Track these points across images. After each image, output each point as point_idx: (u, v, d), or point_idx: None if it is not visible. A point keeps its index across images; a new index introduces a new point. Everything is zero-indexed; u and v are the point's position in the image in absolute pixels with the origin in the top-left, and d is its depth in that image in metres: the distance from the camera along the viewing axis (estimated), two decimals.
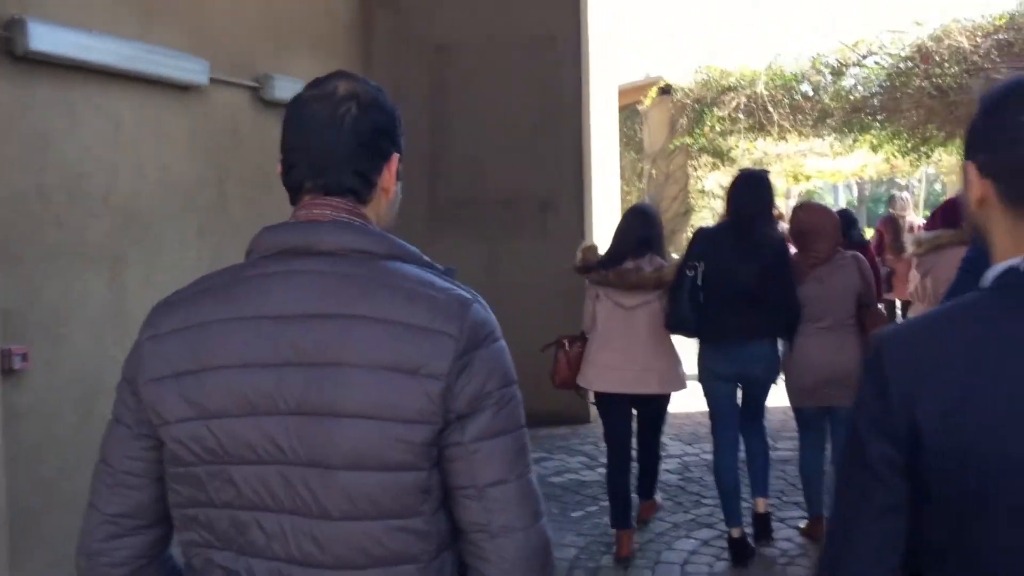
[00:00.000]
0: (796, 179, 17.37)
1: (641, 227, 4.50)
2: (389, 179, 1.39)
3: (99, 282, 4.34)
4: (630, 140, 15.16)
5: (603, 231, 7.50)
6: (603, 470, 5.80)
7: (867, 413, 1.17)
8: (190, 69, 4.80)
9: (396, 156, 1.40)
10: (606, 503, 5.12)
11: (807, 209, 4.68)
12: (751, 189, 4.35)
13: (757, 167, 7.47)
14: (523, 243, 7.23)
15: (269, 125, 5.60)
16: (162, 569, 1.39)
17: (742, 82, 13.43)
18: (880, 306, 5.20)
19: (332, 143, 1.35)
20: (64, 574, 4.14)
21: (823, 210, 4.67)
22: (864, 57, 12.93)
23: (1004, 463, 1.07)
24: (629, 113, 14.16)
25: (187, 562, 1.34)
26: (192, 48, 4.87)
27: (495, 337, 1.30)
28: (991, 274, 1.19)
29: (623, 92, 13.93)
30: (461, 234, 7.18)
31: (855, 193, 37.74)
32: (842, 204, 31.89)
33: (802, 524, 4.75)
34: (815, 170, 16.80)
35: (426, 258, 1.36)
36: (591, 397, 4.79)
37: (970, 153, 1.22)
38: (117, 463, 1.33)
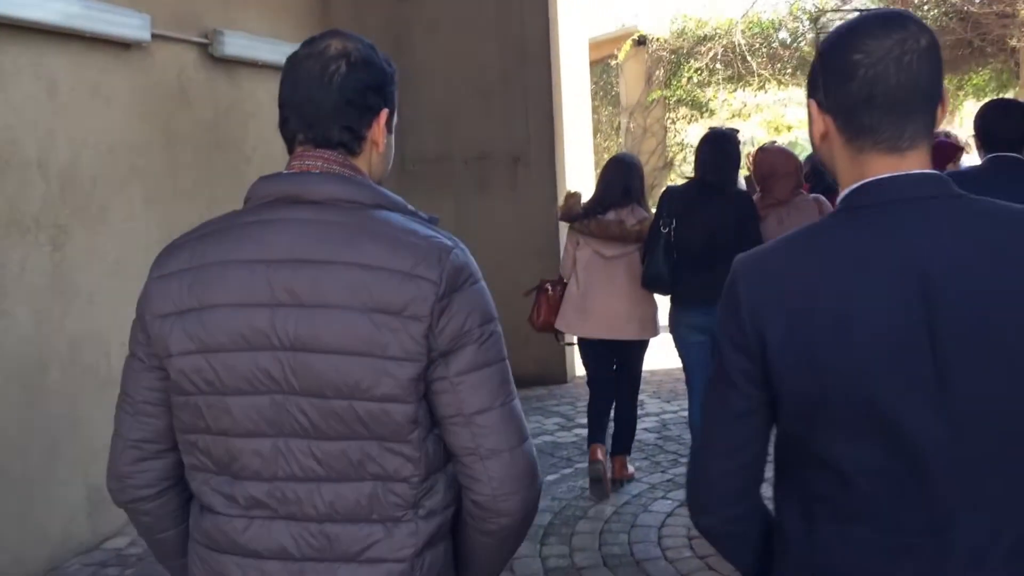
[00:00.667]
0: (777, 130, 17.17)
1: (624, 177, 4.63)
2: (379, 133, 1.46)
3: (39, 254, 4.12)
4: (607, 94, 14.89)
5: (577, 185, 7.30)
6: (580, 431, 5.71)
7: (725, 330, 1.30)
8: (130, 24, 4.52)
9: (385, 111, 1.47)
10: (582, 465, 5.04)
11: (766, 151, 4.68)
12: (718, 148, 4.39)
13: (725, 126, 7.58)
14: (494, 199, 7.03)
15: (220, 83, 5.34)
16: (186, 491, 1.50)
17: (719, 31, 13.20)
18: None
19: (321, 99, 1.43)
20: (8, 558, 3.98)
21: (782, 152, 4.65)
22: (843, 2, 12.68)
23: (836, 370, 1.20)
24: (604, 66, 13.89)
25: (191, 485, 1.47)
26: (131, 2, 4.60)
27: (474, 279, 1.39)
28: (838, 200, 1.30)
29: (597, 44, 13.64)
30: (431, 191, 6.95)
31: None
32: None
33: None
34: (796, 120, 16.60)
35: (411, 207, 1.44)
36: (568, 339, 5.01)
37: (811, 91, 1.33)
38: (135, 393, 1.46)
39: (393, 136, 1.52)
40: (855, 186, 1.27)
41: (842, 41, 1.28)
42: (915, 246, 1.21)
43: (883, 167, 1.26)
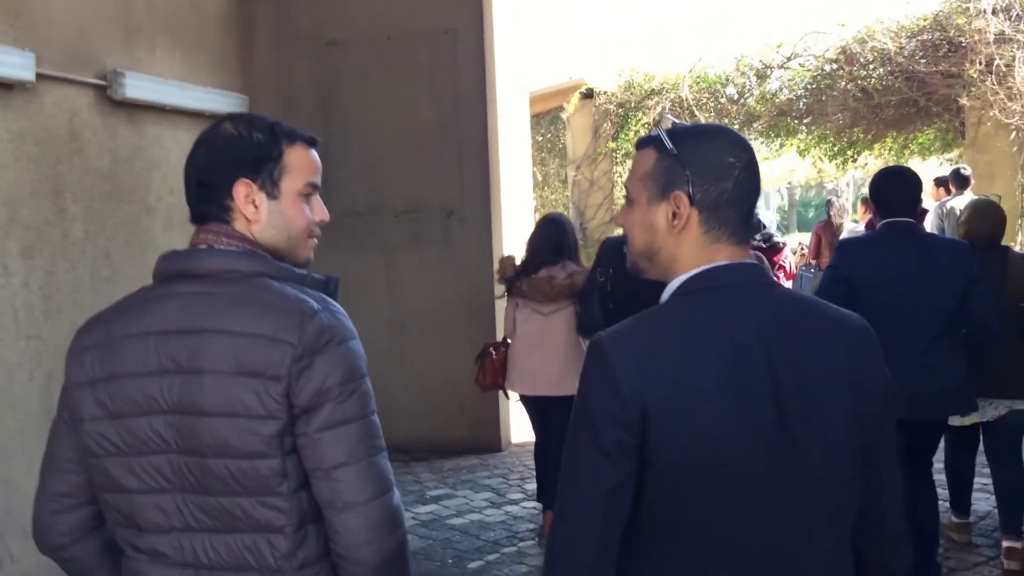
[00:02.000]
0: None
1: (553, 236, 4.74)
2: (242, 204, 1.57)
3: None
4: (554, 146, 14.66)
5: (515, 240, 6.95)
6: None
7: (602, 406, 1.35)
8: (9, 63, 4.10)
9: (241, 183, 1.56)
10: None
11: None
12: None
13: None
14: (426, 254, 6.64)
15: (120, 128, 4.92)
16: (100, 540, 1.64)
17: (666, 86, 13.06)
18: None
19: (187, 179, 1.60)
20: None
21: None
22: (788, 59, 12.66)
23: (695, 436, 1.33)
24: (552, 118, 13.67)
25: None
26: (14, 39, 4.18)
27: (340, 340, 1.49)
28: (677, 283, 1.46)
29: (543, 96, 13.44)
30: (359, 246, 6.57)
31: (785, 199, 37.97)
32: (773, 210, 31.91)
33: None
34: None
35: (299, 271, 1.58)
36: (514, 397, 5.27)
37: (675, 187, 1.45)
38: (58, 451, 1.60)
39: (290, 199, 1.59)
40: (704, 269, 1.44)
41: (714, 144, 1.46)
42: (758, 323, 1.39)
43: (732, 255, 1.45)
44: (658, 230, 1.46)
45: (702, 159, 1.43)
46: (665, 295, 1.48)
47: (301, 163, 1.60)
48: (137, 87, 4.88)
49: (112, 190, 4.82)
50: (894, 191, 3.60)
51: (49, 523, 1.61)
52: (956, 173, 8.82)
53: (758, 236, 7.83)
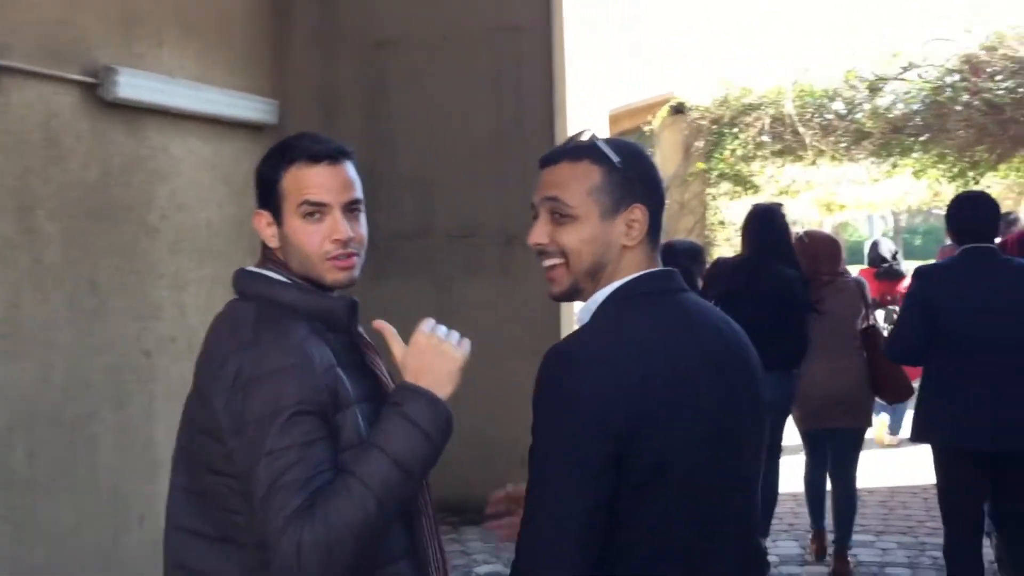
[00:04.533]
0: (829, 209, 15.83)
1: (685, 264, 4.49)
2: (261, 231, 1.65)
3: None
4: None
5: None
6: None
7: (581, 420, 1.36)
8: None
9: (257, 213, 1.65)
10: None
11: (810, 236, 4.92)
12: (763, 225, 4.53)
13: (772, 201, 7.23)
14: (483, 285, 5.77)
15: (112, 134, 4.19)
16: None
17: (766, 100, 12.00)
18: None
19: None
20: None
21: (824, 237, 4.99)
22: (905, 70, 11.47)
23: (668, 437, 1.39)
24: (637, 136, 12.74)
25: None
26: None
27: (255, 379, 1.47)
28: (610, 289, 1.50)
29: (631, 112, 12.50)
30: (406, 274, 5.73)
31: (890, 225, 36.04)
32: (877, 235, 30.15)
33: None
34: (852, 199, 15.27)
35: (305, 297, 1.59)
36: None
37: (633, 199, 1.50)
38: None
39: (292, 223, 1.59)
40: (645, 273, 1.50)
41: (644, 155, 1.55)
42: (711, 325, 1.50)
43: (654, 261, 1.54)
44: (611, 245, 1.49)
45: (645, 171, 1.52)
46: (596, 301, 1.49)
47: (296, 184, 1.58)
48: (134, 86, 4.15)
49: (100, 207, 4.09)
50: (971, 217, 3.61)
51: None
52: None
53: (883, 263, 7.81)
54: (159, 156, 4.41)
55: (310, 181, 1.56)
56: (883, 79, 11.32)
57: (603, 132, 7.08)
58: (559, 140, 5.83)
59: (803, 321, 4.43)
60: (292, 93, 5.58)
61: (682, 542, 1.39)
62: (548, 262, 1.50)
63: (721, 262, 4.68)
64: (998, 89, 10.45)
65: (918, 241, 34.41)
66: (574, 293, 1.50)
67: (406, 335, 1.58)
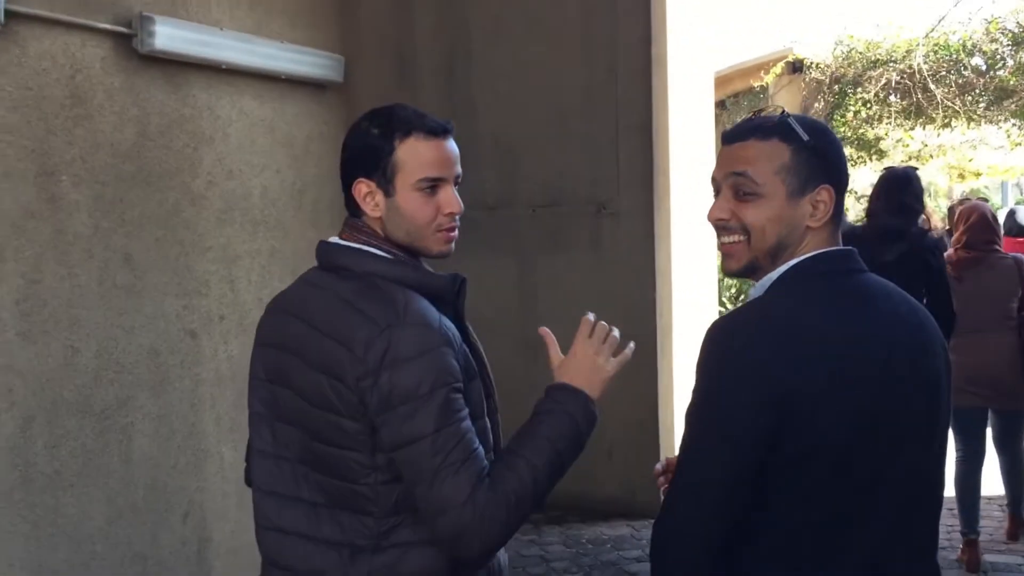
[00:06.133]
0: (962, 176, 14.59)
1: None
2: (360, 200, 1.63)
3: None
4: None
5: (687, 244, 5.40)
6: None
7: (741, 386, 1.35)
8: None
9: (360, 182, 1.62)
10: None
11: (966, 207, 4.68)
12: (895, 190, 4.17)
13: (905, 164, 6.48)
14: (570, 258, 5.22)
15: (150, 91, 3.77)
16: None
17: (894, 55, 10.97)
18: None
19: None
20: None
21: (980, 208, 4.63)
22: None
23: (829, 416, 1.34)
24: (750, 97, 11.87)
25: None
26: None
27: (405, 358, 1.51)
28: (787, 266, 1.46)
29: (745, 71, 11.64)
30: (487, 246, 5.21)
31: None
32: (1011, 204, 28.08)
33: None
34: (986, 165, 14.02)
35: (416, 273, 1.62)
36: None
37: (823, 179, 1.46)
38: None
39: (406, 195, 1.60)
40: (825, 251, 1.47)
41: (830, 133, 1.52)
42: (876, 311, 1.44)
43: (836, 241, 1.50)
44: (795, 225, 1.46)
45: (833, 151, 1.48)
46: (771, 278, 1.46)
47: (415, 158, 1.60)
48: (175, 37, 3.73)
49: (135, 172, 3.69)
50: None
51: None
52: None
53: None
54: (203, 116, 3.99)
55: (430, 155, 1.60)
56: None
57: (708, 91, 6.38)
58: (658, 97, 5.20)
59: (944, 293, 4.07)
60: (361, 48, 5.09)
61: (814, 529, 1.37)
62: (727, 238, 1.48)
63: (852, 231, 4.27)
64: None
65: None
66: (751, 271, 1.49)
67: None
